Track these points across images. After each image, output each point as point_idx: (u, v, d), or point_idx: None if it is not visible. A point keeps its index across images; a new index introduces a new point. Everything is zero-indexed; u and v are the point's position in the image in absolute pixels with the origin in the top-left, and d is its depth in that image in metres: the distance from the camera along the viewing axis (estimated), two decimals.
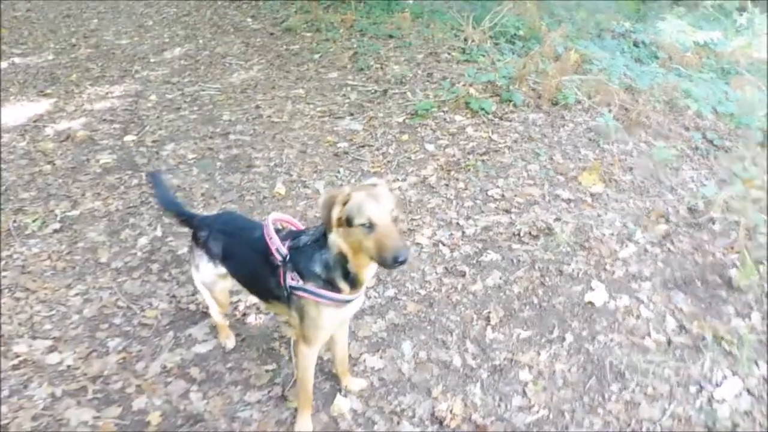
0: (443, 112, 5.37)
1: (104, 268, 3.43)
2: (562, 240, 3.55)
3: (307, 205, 4.07)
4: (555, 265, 3.38)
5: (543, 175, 4.31)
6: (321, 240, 2.12)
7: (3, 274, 3.32)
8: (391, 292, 3.22)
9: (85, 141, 5.03)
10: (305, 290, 2.16)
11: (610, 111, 5.28)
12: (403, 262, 1.91)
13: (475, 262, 3.44)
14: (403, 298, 3.18)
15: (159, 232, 3.77)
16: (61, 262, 3.45)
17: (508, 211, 3.90)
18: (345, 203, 1.98)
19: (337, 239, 2.06)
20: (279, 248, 2.21)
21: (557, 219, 3.77)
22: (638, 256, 3.42)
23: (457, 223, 3.79)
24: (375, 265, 2.10)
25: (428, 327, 3.00)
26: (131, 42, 8.26)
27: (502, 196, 4.08)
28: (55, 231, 3.75)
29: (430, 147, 4.80)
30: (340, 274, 2.12)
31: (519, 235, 3.65)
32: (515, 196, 4.07)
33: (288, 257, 2.19)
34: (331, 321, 2.24)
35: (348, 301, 2.21)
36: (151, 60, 7.39)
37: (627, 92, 5.77)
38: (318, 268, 2.13)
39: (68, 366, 2.72)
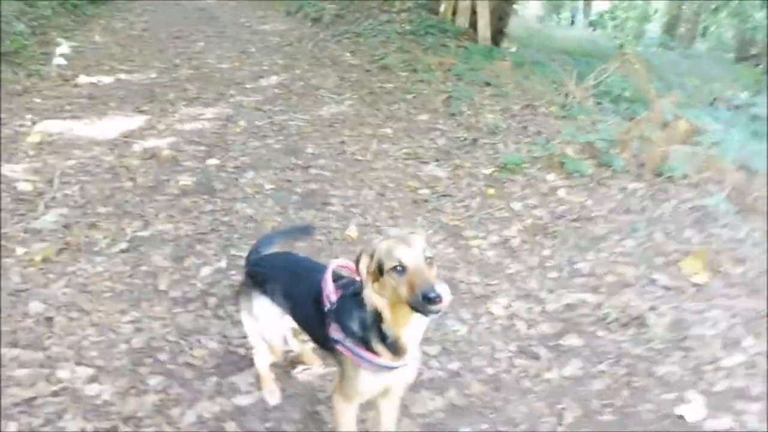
0: (535, 169, 5.05)
1: (161, 296, 3.31)
2: (655, 334, 3.11)
3: None
4: (645, 363, 2.96)
5: (639, 254, 3.88)
6: (360, 295, 1.97)
7: (64, 290, 3.26)
8: (455, 366, 2.90)
9: (168, 161, 5.05)
10: (344, 345, 2.03)
11: (721, 191, 4.78)
12: (434, 300, 1.71)
13: (553, 344, 3.07)
14: (467, 374, 2.85)
15: (223, 264, 3.64)
16: (121, 285, 3.37)
17: (596, 290, 3.51)
18: (372, 254, 1.89)
19: (371, 295, 1.91)
20: (329, 295, 2.10)
21: (652, 308, 3.33)
22: (746, 369, 2.93)
23: (538, 296, 3.44)
24: (417, 328, 1.93)
25: (491, 415, 2.66)
26: (231, 67, 8.46)
27: (592, 271, 3.69)
28: (122, 251, 3.69)
29: (517, 206, 4.48)
30: (376, 336, 1.96)
31: (606, 320, 3.25)
32: (606, 273, 3.66)
33: (334, 306, 2.07)
34: (370, 385, 2.06)
35: (388, 368, 2.00)
36: (247, 86, 7.49)
37: (741, 171, 5.23)
38: (355, 326, 2.00)
39: (105, 401, 2.57)
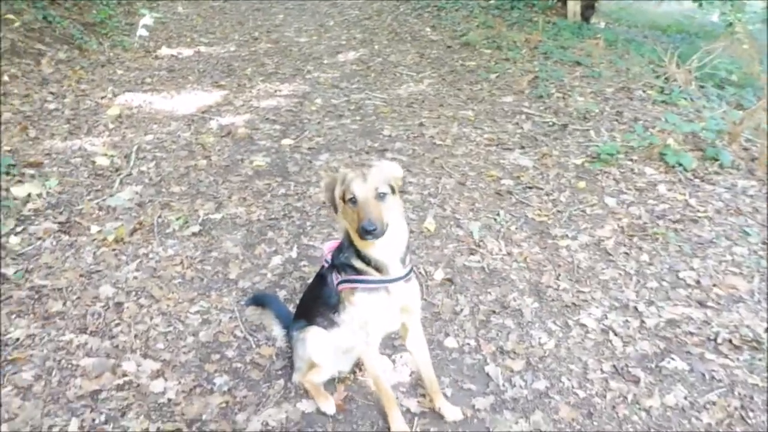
0: (631, 160, 4.61)
1: (231, 285, 3.19)
2: None
3: (456, 250, 3.56)
4: (762, 394, 2.58)
5: (753, 264, 3.44)
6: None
7: (135, 274, 3.19)
8: (541, 385, 2.62)
9: (244, 139, 4.94)
10: (342, 282, 2.25)
11: None
12: (371, 232, 2.00)
13: (653, 366, 2.73)
14: (555, 396, 2.57)
15: (294, 253, 3.48)
16: (191, 271, 3.27)
17: (703, 305, 3.12)
18: (343, 181, 2.13)
19: (342, 220, 2.20)
20: (325, 257, 2.39)
21: None
22: None
23: (636, 308, 3.09)
24: (387, 245, 2.14)
25: None
26: (309, 41, 8.30)
27: (697, 282, 3.29)
28: (194, 234, 3.59)
29: (611, 202, 4.09)
30: (355, 256, 2.20)
31: (716, 341, 2.87)
32: (714, 285, 3.26)
33: (329, 263, 2.36)
34: (374, 308, 2.24)
35: (382, 283, 2.19)
36: (324, 61, 7.31)
37: None
38: (343, 258, 2.25)
39: (169, 399, 2.46)
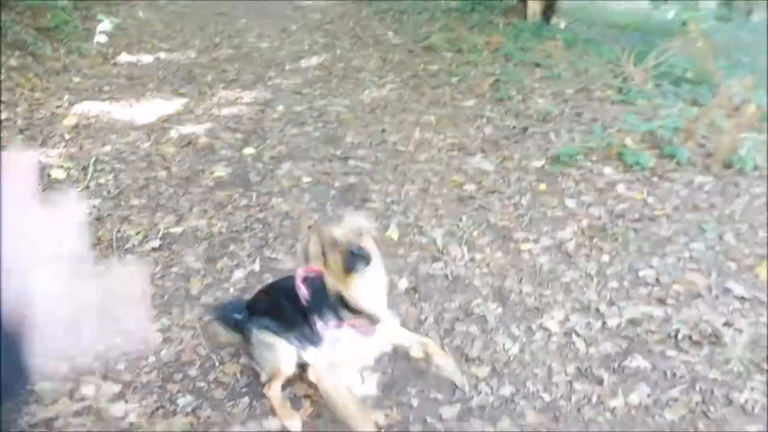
0: (590, 161, 4.69)
1: (193, 301, 3.14)
2: (733, 354, 2.79)
3: (419, 258, 3.57)
4: (722, 388, 2.64)
5: (710, 259, 3.53)
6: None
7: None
8: (507, 390, 2.64)
9: (205, 149, 4.87)
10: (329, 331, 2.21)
11: None
12: (361, 257, 1.98)
13: (617, 366, 2.77)
14: (521, 402, 2.59)
15: (257, 266, 3.44)
16: (152, 287, 3.20)
17: (663, 302, 3.18)
18: (317, 238, 2.10)
19: (326, 276, 2.12)
20: (304, 296, 2.26)
21: (727, 323, 3.00)
22: None
23: (597, 309, 3.13)
24: (371, 291, 2.11)
25: None
26: (271, 46, 8.24)
27: (657, 280, 3.35)
28: (154, 249, 3.53)
29: (571, 203, 4.15)
30: (342, 306, 2.13)
31: (676, 337, 2.92)
32: (673, 282, 3.33)
33: (310, 303, 2.26)
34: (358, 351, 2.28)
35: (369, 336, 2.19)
36: (287, 67, 7.26)
37: None
38: (327, 306, 2.18)
39: (131, 423, 2.41)
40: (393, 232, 3.78)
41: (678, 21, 8.59)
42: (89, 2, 8.72)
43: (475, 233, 3.81)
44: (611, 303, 3.18)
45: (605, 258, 3.56)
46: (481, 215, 4.02)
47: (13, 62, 6.15)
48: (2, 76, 5.76)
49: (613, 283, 3.34)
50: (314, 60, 7.59)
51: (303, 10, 11.15)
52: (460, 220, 3.95)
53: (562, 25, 10.73)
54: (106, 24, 7.45)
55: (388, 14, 10.08)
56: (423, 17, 9.44)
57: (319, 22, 9.95)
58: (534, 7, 9.46)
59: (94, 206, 3.93)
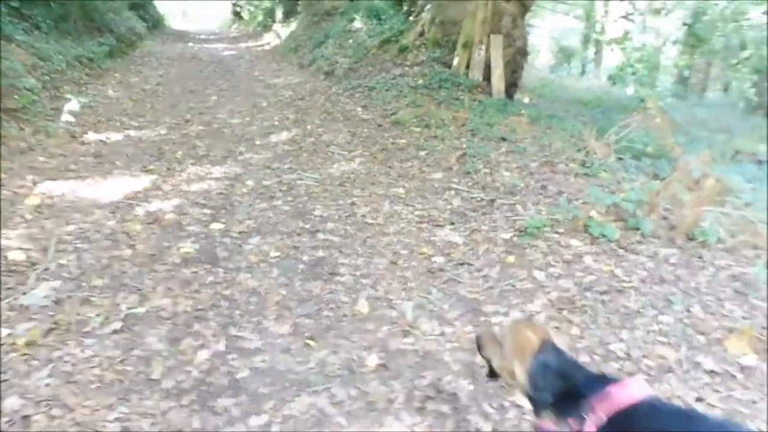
0: (557, 233, 4.74)
1: (153, 386, 3.00)
2: None
3: (390, 332, 3.51)
4: None
5: (679, 332, 3.53)
6: None
7: (47, 381, 2.96)
8: None
9: (172, 225, 4.82)
10: None
11: (758, 256, 4.45)
12: None
13: None
14: None
15: (222, 346, 3.33)
16: (111, 373, 3.07)
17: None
18: None
19: None
20: None
21: (699, 399, 2.98)
22: None
23: None
24: None
25: None
26: (242, 122, 8.35)
27: (627, 354, 3.34)
28: (115, 331, 3.40)
29: (540, 275, 4.16)
30: None
31: None
32: (644, 356, 3.31)
33: None
34: None
35: None
36: (257, 142, 7.34)
37: None
38: None
39: None
40: (362, 307, 3.73)
41: (636, 98, 8.99)
42: (58, 82, 8.79)
43: (445, 306, 3.78)
44: None
45: (575, 331, 3.54)
46: (451, 288, 4.00)
47: None
48: None
49: (585, 357, 3.31)
50: (284, 135, 7.70)
51: (274, 88, 11.41)
52: (430, 293, 3.92)
53: (527, 100, 11.16)
54: (73, 103, 7.48)
55: (357, 91, 10.35)
56: (391, 94, 9.71)
57: (290, 99, 10.17)
58: (498, 84, 9.82)
59: (54, 289, 3.81)
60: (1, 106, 6.96)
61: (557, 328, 3.57)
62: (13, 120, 6.92)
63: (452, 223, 5.01)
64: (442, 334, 3.51)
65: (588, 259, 4.37)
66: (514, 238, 4.71)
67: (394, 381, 3.10)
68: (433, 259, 4.41)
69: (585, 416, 1.82)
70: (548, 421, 1.94)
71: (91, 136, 7.23)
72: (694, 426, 1.75)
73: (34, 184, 5.49)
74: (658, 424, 1.77)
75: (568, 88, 16.46)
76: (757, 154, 8.12)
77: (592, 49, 27.76)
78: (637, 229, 4.76)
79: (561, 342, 2.18)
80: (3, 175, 5.55)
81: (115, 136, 7.34)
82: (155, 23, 23.79)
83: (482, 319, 3.67)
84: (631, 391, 1.87)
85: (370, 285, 4.04)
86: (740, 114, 15.04)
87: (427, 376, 3.15)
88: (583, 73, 27.10)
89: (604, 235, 4.63)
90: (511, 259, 4.39)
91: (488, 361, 2.19)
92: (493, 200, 5.44)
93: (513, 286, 4.04)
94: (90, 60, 11.52)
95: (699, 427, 1.75)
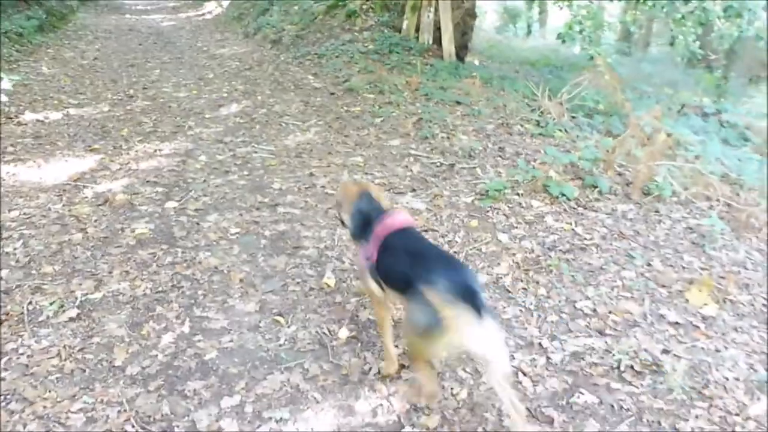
0: (518, 194, 4.76)
1: (117, 373, 2.89)
2: (674, 383, 2.82)
3: (358, 304, 3.47)
4: (668, 418, 2.66)
5: (641, 286, 3.61)
6: None
7: (2, 375, 2.81)
8: None
9: (123, 206, 4.62)
10: None
11: (711, 207, 4.58)
12: None
13: (565, 403, 2.74)
14: None
15: (186, 328, 3.23)
16: (71, 363, 2.93)
17: (602, 333, 3.21)
18: None
19: None
20: None
21: (666, 351, 3.05)
22: None
23: (540, 344, 3.12)
24: None
25: None
26: (189, 95, 8.05)
27: (594, 310, 3.39)
28: (71, 319, 3.25)
29: (504, 237, 4.18)
30: None
31: (619, 368, 2.94)
32: (610, 312, 3.37)
33: None
34: None
35: None
36: (207, 116, 7.09)
37: (725, 182, 5.06)
38: None
39: None
40: (329, 279, 3.66)
41: (584, 56, 9.04)
42: None
43: None
44: (553, 337, 3.18)
45: (542, 291, 3.57)
46: None
47: None
48: None
49: (553, 317, 3.34)
50: (234, 107, 7.46)
51: (220, 59, 11.04)
52: None
53: (477, 62, 11.11)
54: (5, 82, 7.04)
55: (306, 59, 10.10)
56: (341, 60, 9.51)
57: (238, 70, 9.85)
58: (448, 47, 9.73)
59: (1, 278, 3.61)
60: None
61: (525, 289, 3.60)
62: None
63: (413, 190, 4.97)
64: None
65: (549, 219, 4.41)
66: (476, 202, 4.70)
67: (366, 352, 3.07)
68: None
69: (371, 239, 2.68)
70: (358, 246, 2.83)
71: (27, 116, 6.86)
72: (421, 245, 2.69)
73: None
74: (403, 243, 2.62)
75: (515, 48, 16.47)
76: (702, 107, 8.31)
77: (536, 9, 27.83)
78: (595, 186, 4.82)
79: (377, 191, 2.92)
80: None
81: (54, 115, 6.98)
82: None
83: None
84: (397, 219, 2.71)
85: (335, 257, 3.97)
86: (683, 68, 15.38)
87: (399, 345, 3.12)
88: (529, 33, 27.16)
89: (563, 194, 4.67)
90: (474, 223, 4.38)
91: (339, 215, 3.00)
92: (452, 165, 5.41)
93: (478, 250, 4.05)
94: (19, 35, 10.91)
95: (426, 247, 2.68)
